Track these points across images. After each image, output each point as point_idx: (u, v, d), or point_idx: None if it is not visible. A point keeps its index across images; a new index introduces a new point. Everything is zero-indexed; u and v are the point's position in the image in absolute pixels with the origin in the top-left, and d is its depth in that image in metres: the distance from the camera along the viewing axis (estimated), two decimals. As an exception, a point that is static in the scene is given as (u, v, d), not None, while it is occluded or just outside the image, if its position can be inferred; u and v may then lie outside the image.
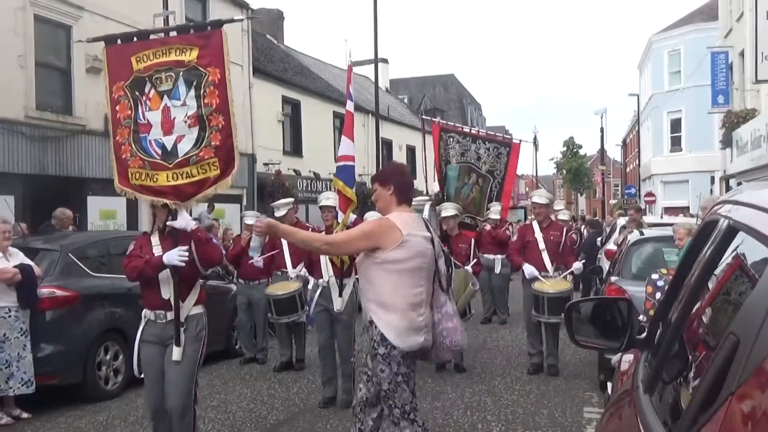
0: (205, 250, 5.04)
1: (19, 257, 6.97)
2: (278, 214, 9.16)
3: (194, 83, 5.02)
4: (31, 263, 7.01)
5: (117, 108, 5.23)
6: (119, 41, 5.34)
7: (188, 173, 5.03)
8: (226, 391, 7.99)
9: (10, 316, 6.74)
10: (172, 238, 5.02)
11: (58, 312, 7.31)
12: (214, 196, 18.93)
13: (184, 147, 5.03)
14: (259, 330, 9.59)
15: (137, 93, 5.16)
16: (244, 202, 20.66)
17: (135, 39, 5.30)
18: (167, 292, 5.01)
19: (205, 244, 5.05)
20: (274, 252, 8.99)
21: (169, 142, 5.06)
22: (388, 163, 6.10)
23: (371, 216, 9.18)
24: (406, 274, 4.17)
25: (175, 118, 5.05)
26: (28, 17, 13.50)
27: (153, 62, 5.12)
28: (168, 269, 4.97)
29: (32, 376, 6.81)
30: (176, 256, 4.89)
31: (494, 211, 11.88)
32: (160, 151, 5.08)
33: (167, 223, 5.05)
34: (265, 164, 22.00)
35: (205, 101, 4.99)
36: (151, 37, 5.29)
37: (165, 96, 5.08)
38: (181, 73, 5.05)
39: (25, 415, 6.88)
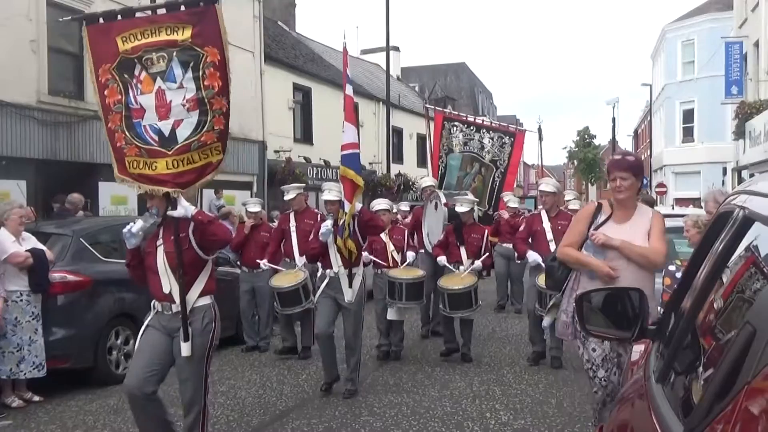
0: (210, 230, 4.76)
1: (32, 241, 7.01)
2: (287, 197, 9.15)
3: (191, 64, 4.72)
4: (44, 248, 7.05)
5: (105, 93, 4.90)
6: (101, 20, 4.98)
7: (190, 159, 4.77)
8: (236, 377, 8.02)
9: (21, 300, 6.78)
10: (173, 227, 4.80)
11: (69, 296, 7.35)
12: (224, 183, 18.89)
13: (184, 132, 4.75)
14: (262, 318, 9.57)
15: (126, 76, 4.82)
16: (255, 189, 20.69)
17: (119, 17, 4.93)
18: (167, 285, 4.80)
19: (209, 225, 4.78)
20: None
21: (166, 127, 4.77)
22: (631, 154, 5.66)
23: (378, 204, 9.14)
24: None
25: (171, 101, 4.76)
26: (41, 2, 13.52)
27: (142, 42, 4.77)
28: (165, 261, 4.79)
29: (44, 359, 6.85)
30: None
31: (513, 199, 11.84)
32: (156, 138, 4.79)
33: (168, 213, 4.82)
34: (276, 151, 22.02)
35: (206, 83, 4.71)
36: (137, 14, 4.93)
37: (158, 78, 4.77)
38: (174, 54, 4.73)
39: (36, 398, 6.94)
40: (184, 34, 4.71)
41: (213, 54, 4.71)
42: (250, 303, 9.47)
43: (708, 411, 1.45)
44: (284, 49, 25.57)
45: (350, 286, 7.03)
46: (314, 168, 23.97)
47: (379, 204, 9.09)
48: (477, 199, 9.96)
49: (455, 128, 11.91)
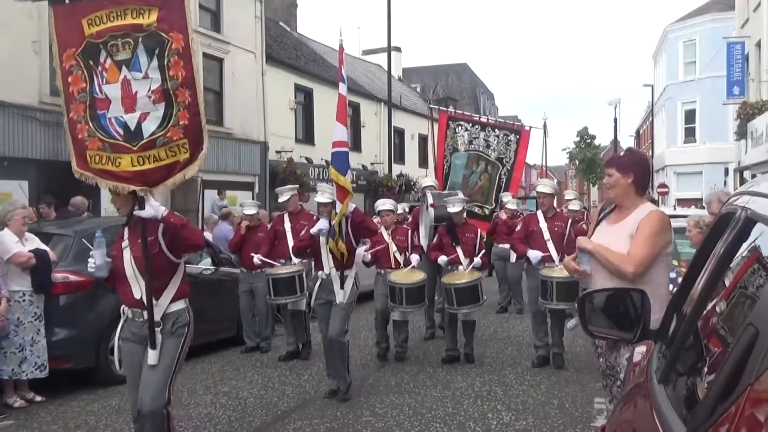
0: (183, 235, 4.45)
1: (35, 242, 7.02)
2: (281, 199, 9.13)
3: (156, 51, 4.34)
4: (47, 248, 7.06)
5: (69, 80, 4.54)
6: (67, 0, 4.60)
7: (156, 156, 4.39)
8: (238, 377, 8.03)
9: (24, 301, 6.79)
10: (140, 228, 4.45)
11: (71, 297, 7.36)
12: (226, 183, 18.85)
13: (150, 126, 4.38)
14: (262, 318, 9.53)
15: (91, 62, 4.45)
16: (256, 190, 20.71)
17: None
18: (138, 291, 4.49)
19: (182, 228, 4.44)
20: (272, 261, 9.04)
21: (131, 120, 4.39)
22: (627, 151, 5.12)
23: (382, 204, 9.13)
24: (669, 263, 4.12)
25: (137, 92, 4.38)
26: (43, 3, 13.51)
27: (107, 26, 4.38)
28: (134, 265, 4.49)
29: (46, 360, 6.86)
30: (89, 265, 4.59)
31: (511, 201, 11.84)
32: (122, 131, 4.42)
33: (134, 212, 4.47)
34: (278, 152, 22.05)
35: (170, 73, 4.35)
36: None
37: (123, 66, 4.39)
38: (140, 40, 4.36)
39: (38, 398, 6.94)
40: (150, 18, 4.37)
41: (177, 40, 4.36)
42: (250, 304, 9.44)
43: (711, 412, 1.45)
44: (286, 49, 25.58)
45: (342, 287, 6.99)
46: (316, 168, 23.98)
47: (383, 204, 9.07)
48: (467, 198, 9.86)
49: (460, 127, 11.94)
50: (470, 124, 12.08)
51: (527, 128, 12.20)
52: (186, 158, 4.45)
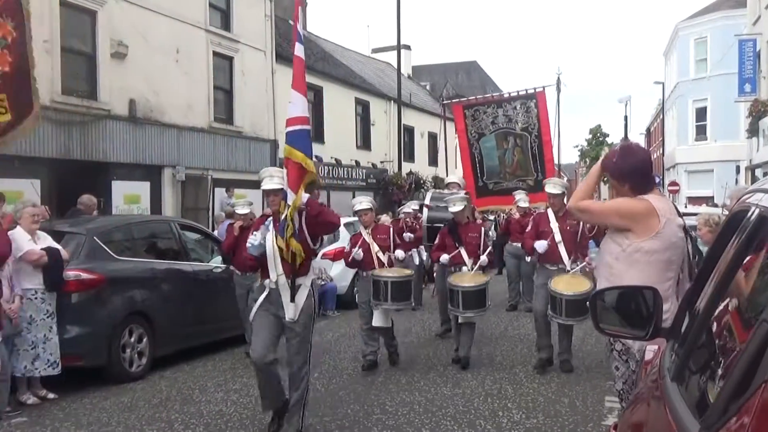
0: None
1: (47, 240, 7.06)
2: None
3: None
4: (59, 246, 7.10)
5: None
6: None
7: None
8: (248, 374, 8.03)
9: (36, 298, 6.83)
10: None
11: (83, 295, 7.41)
12: (236, 182, 18.80)
13: None
14: None
15: None
16: (266, 188, 20.71)
17: None
18: None
19: None
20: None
21: None
22: (620, 152, 4.08)
23: (359, 203, 8.43)
24: (656, 265, 3.72)
25: None
26: (54, 2, 13.59)
27: None
28: None
29: (58, 357, 6.91)
30: None
31: (523, 199, 11.82)
32: None
33: None
34: (287, 150, 22.05)
35: None
36: None
37: None
38: None
39: (51, 395, 6.99)
40: None
41: None
42: (247, 307, 9.24)
43: (724, 409, 1.45)
44: (295, 48, 25.62)
45: (292, 300, 5.59)
46: (325, 167, 24.00)
47: (360, 203, 8.47)
48: (468, 196, 9.46)
49: (478, 112, 11.99)
50: (486, 106, 12.13)
51: (541, 89, 12.16)
52: (7, 120, 3.13)
